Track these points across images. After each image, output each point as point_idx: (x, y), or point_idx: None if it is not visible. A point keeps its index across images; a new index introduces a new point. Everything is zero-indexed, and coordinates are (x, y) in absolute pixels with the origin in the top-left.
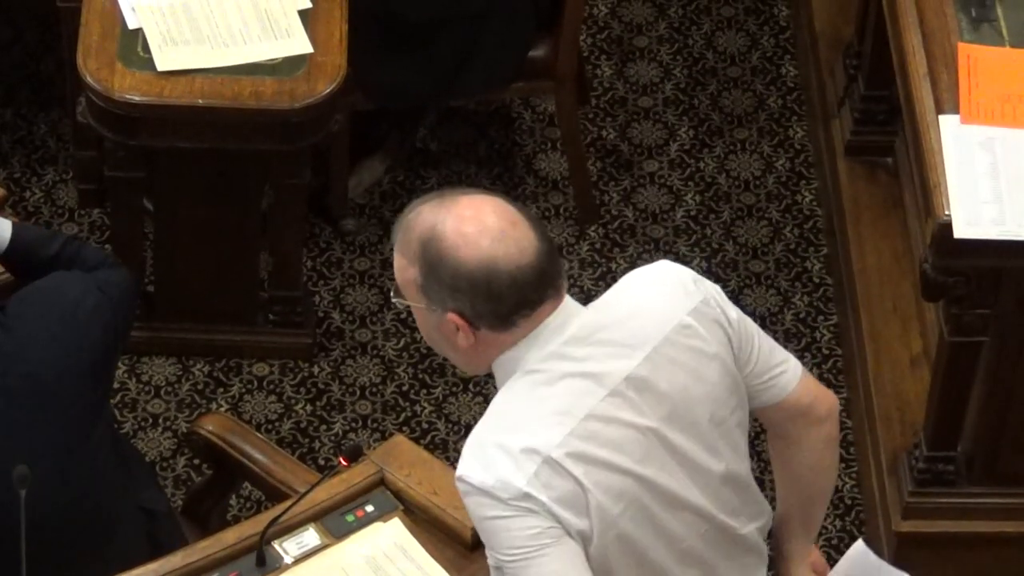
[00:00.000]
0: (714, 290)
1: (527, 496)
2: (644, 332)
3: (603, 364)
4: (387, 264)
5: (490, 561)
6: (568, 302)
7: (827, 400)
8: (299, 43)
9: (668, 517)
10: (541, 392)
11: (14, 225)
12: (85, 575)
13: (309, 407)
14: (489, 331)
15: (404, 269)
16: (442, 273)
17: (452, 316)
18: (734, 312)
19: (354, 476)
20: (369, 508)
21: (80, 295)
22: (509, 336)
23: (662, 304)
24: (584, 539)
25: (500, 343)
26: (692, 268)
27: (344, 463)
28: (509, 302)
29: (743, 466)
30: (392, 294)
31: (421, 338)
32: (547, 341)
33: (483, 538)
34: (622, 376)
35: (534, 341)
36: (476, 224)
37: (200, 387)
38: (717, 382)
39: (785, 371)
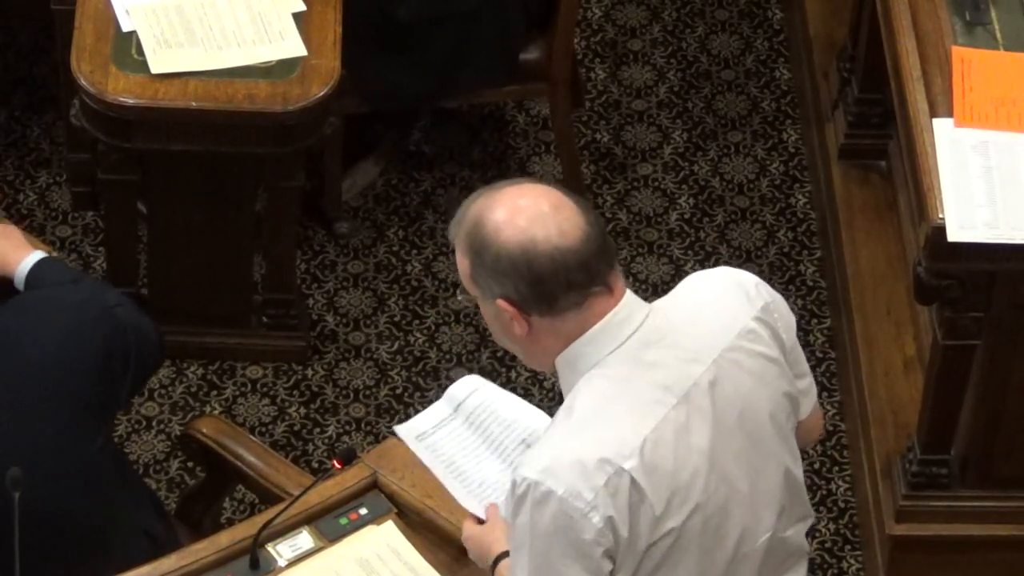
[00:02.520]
0: (774, 294)
1: (593, 508)
2: (711, 337)
3: (672, 370)
4: (381, 267)
5: (518, 573)
6: (631, 298)
7: (820, 429)
8: (293, 46)
9: (730, 525)
10: (613, 399)
11: (40, 262)
12: None
13: (303, 410)
14: (540, 317)
15: (460, 262)
16: (486, 258)
17: (502, 303)
18: (791, 319)
19: (348, 479)
20: (363, 511)
21: (85, 300)
22: (563, 324)
23: (728, 309)
24: (635, 552)
25: (556, 332)
26: (686, 271)
27: (338, 466)
28: (553, 284)
29: (799, 468)
30: (459, 292)
31: (415, 341)
32: (614, 337)
33: (517, 543)
34: (691, 382)
35: (599, 336)
36: (515, 208)
37: (194, 390)
38: (777, 386)
39: (810, 391)
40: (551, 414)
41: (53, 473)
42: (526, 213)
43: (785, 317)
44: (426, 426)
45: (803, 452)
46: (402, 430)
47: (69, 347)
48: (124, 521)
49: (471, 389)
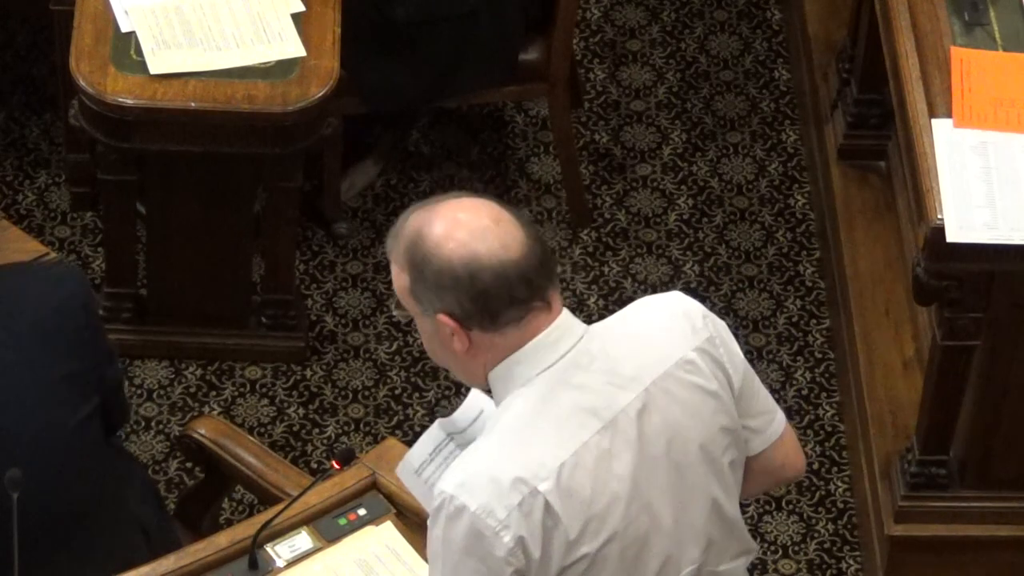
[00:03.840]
0: (722, 328)
1: (504, 527)
2: (646, 365)
3: (600, 395)
4: (380, 267)
5: None
6: (566, 318)
7: (796, 466)
8: (292, 46)
9: (649, 555)
10: (536, 419)
11: None
12: (63, 571)
13: (302, 410)
14: (481, 332)
15: (397, 276)
16: (427, 273)
17: (443, 317)
18: (739, 354)
19: (346, 479)
20: (361, 511)
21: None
22: (502, 340)
23: (668, 337)
24: (547, 574)
25: (495, 348)
26: (685, 272)
27: (336, 466)
28: (495, 299)
29: (731, 504)
30: (394, 307)
31: (413, 341)
32: (545, 357)
33: (431, 555)
34: (618, 409)
35: (531, 354)
36: (456, 222)
37: (192, 390)
38: (713, 420)
39: (764, 430)
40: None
41: (37, 440)
42: (468, 227)
43: (732, 352)
44: (422, 457)
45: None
46: (401, 471)
47: (46, 316)
48: (111, 505)
49: (475, 415)
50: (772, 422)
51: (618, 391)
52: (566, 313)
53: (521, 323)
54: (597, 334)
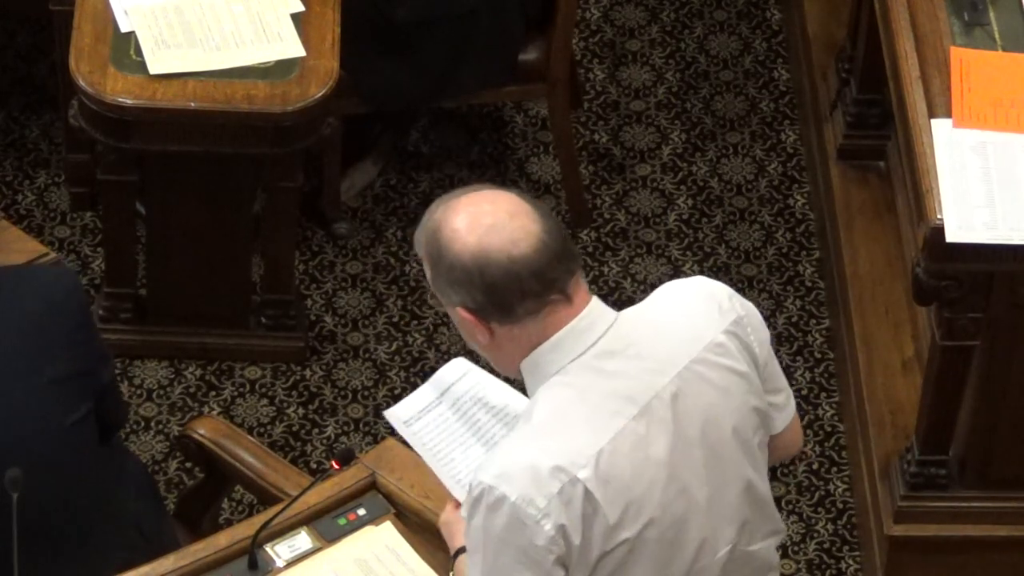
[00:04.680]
0: (749, 307)
1: (545, 515)
2: (677, 349)
3: (634, 381)
4: (379, 268)
5: (471, 571)
6: (596, 305)
7: (799, 442)
8: (291, 46)
9: (686, 537)
10: (572, 407)
11: None
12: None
13: (301, 410)
14: (499, 325)
15: (425, 269)
16: (442, 267)
17: (461, 311)
18: (765, 334)
19: (346, 479)
20: (361, 512)
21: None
22: (523, 331)
23: (697, 321)
24: (587, 561)
25: (517, 339)
26: (684, 272)
27: (336, 467)
28: (507, 293)
29: (763, 483)
30: (429, 297)
31: (413, 341)
32: (575, 345)
33: (471, 546)
34: (653, 394)
35: (560, 343)
36: (470, 216)
37: (192, 390)
38: (744, 401)
39: (785, 406)
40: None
41: (31, 442)
42: (482, 222)
43: (759, 331)
44: (411, 412)
45: (802, 453)
46: (390, 415)
47: (40, 318)
48: (108, 506)
49: (459, 374)
50: (790, 398)
51: (652, 376)
52: (595, 300)
53: (539, 315)
54: (628, 319)
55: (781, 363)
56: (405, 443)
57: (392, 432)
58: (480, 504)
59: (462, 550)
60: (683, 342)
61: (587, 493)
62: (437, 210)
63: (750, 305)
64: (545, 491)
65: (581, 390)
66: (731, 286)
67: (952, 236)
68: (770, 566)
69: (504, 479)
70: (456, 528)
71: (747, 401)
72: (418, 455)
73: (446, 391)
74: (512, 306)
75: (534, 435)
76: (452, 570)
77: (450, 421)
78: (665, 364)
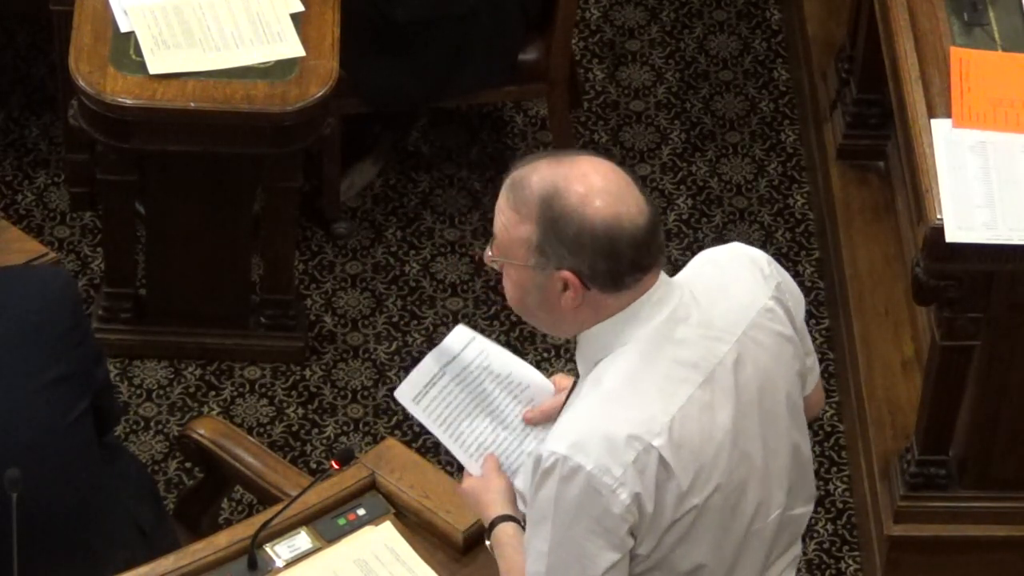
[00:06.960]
0: (784, 272)
1: (621, 484)
2: (734, 315)
3: (699, 348)
4: (379, 267)
5: (537, 545)
6: (664, 276)
7: (820, 406)
8: (291, 46)
9: (745, 502)
10: (642, 376)
11: None
12: (61, 571)
13: (301, 410)
14: (600, 292)
15: (515, 226)
16: (565, 230)
17: (566, 274)
18: (800, 296)
19: (346, 480)
20: (361, 512)
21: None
22: (615, 301)
23: (748, 286)
24: (658, 528)
25: (603, 308)
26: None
27: (336, 467)
28: (626, 262)
29: (807, 446)
30: (488, 252)
31: (413, 341)
32: (650, 314)
33: (538, 516)
34: (716, 360)
35: (636, 312)
36: (599, 183)
37: (192, 390)
38: (791, 365)
39: (815, 368)
40: (543, 369)
41: (30, 442)
42: (608, 190)
43: (795, 294)
44: (418, 387)
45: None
46: (399, 394)
47: (34, 318)
48: (107, 505)
49: (464, 342)
50: (816, 360)
51: (714, 343)
52: (663, 273)
53: (636, 287)
54: (686, 286)
55: None
56: (405, 443)
57: (396, 427)
58: (552, 474)
59: (499, 520)
60: (737, 308)
61: (662, 460)
62: (540, 170)
63: (784, 271)
64: (621, 460)
65: (650, 358)
66: None
67: (952, 236)
68: (799, 533)
69: (579, 449)
70: (484, 494)
71: (793, 365)
72: (419, 452)
73: (451, 361)
74: (623, 276)
75: (606, 404)
76: (489, 539)
77: (456, 392)
78: (725, 331)
